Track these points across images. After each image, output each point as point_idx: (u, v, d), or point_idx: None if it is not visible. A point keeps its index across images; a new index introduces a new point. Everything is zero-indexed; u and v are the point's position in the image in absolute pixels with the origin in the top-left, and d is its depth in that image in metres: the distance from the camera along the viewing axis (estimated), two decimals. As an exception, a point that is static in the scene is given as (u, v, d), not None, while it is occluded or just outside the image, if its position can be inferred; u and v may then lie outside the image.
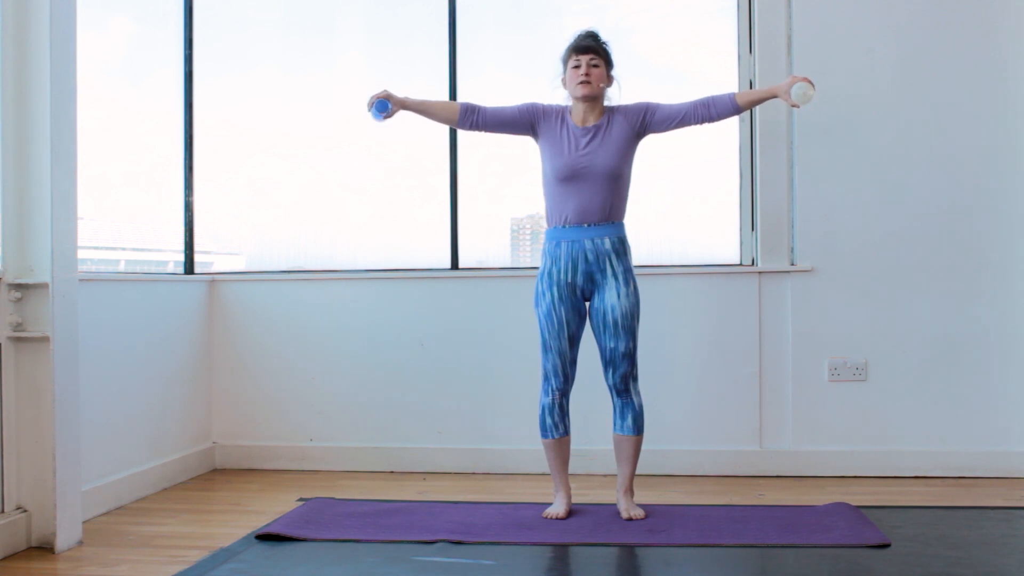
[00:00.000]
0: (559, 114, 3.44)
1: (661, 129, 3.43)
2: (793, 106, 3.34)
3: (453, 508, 3.55)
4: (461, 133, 4.41)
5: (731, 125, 4.30)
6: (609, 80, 3.43)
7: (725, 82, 4.32)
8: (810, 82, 3.30)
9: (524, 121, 3.46)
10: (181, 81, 4.54)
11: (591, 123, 3.41)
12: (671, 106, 3.42)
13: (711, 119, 3.41)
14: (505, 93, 4.46)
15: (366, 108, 3.45)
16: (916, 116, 4.14)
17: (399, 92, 3.50)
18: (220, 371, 4.50)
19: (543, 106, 3.47)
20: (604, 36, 3.45)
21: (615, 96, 3.49)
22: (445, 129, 4.42)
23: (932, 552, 2.95)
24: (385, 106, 3.42)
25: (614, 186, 3.36)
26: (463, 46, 4.45)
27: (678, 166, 4.30)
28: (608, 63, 3.42)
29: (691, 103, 3.41)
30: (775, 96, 3.39)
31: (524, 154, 3.89)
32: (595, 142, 3.37)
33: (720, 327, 4.21)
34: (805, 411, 4.18)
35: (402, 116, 3.52)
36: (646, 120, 3.41)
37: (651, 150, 3.67)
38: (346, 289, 4.45)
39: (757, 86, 4.20)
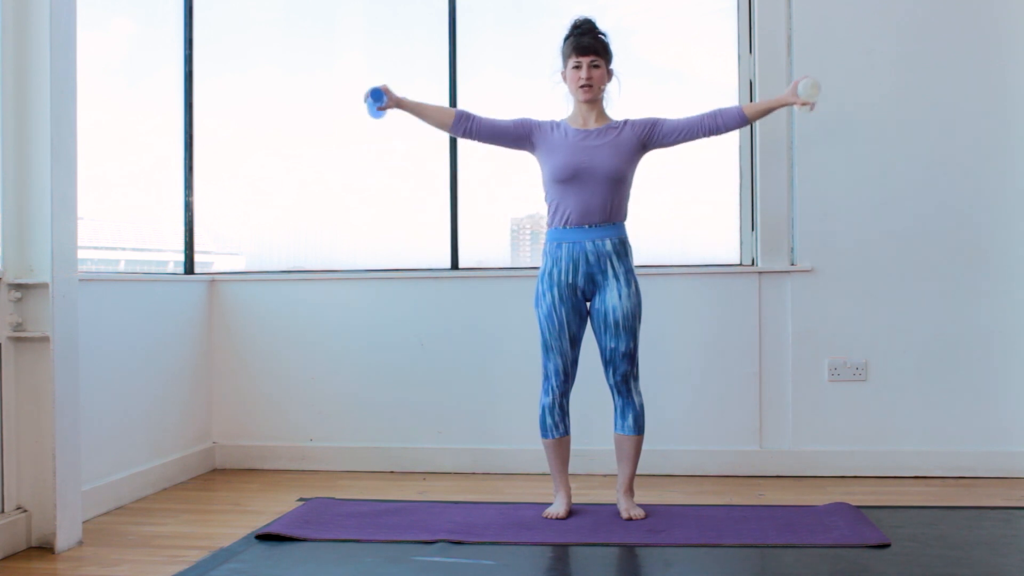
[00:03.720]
0: (554, 125, 3.45)
1: (668, 142, 3.42)
2: (804, 105, 3.32)
3: (453, 508, 3.55)
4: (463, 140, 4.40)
5: (731, 125, 4.31)
6: (609, 76, 3.44)
7: (725, 82, 4.33)
8: (812, 79, 3.30)
9: (519, 134, 3.45)
10: (181, 81, 4.55)
11: (592, 126, 3.41)
12: (678, 119, 3.41)
13: (718, 131, 3.40)
14: (505, 93, 4.48)
15: (362, 100, 3.43)
16: (916, 116, 4.14)
17: (399, 92, 3.50)
18: (220, 371, 4.50)
19: (537, 120, 3.47)
20: (601, 25, 3.44)
21: (615, 94, 3.49)
22: (445, 129, 4.42)
23: (932, 552, 2.95)
24: (379, 95, 3.40)
25: (615, 188, 3.36)
26: (463, 46, 4.45)
27: (678, 166, 4.30)
28: (608, 59, 3.42)
29: (698, 116, 3.40)
30: (784, 104, 3.38)
31: (524, 154, 3.89)
32: (597, 144, 3.36)
33: (720, 327, 4.21)
34: (805, 411, 4.18)
35: (403, 115, 3.52)
36: (652, 133, 3.40)
37: (652, 151, 3.67)
38: (346, 289, 4.45)
39: (757, 86, 4.20)
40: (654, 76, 4.44)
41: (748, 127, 4.25)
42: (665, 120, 3.42)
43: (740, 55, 4.30)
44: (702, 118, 3.40)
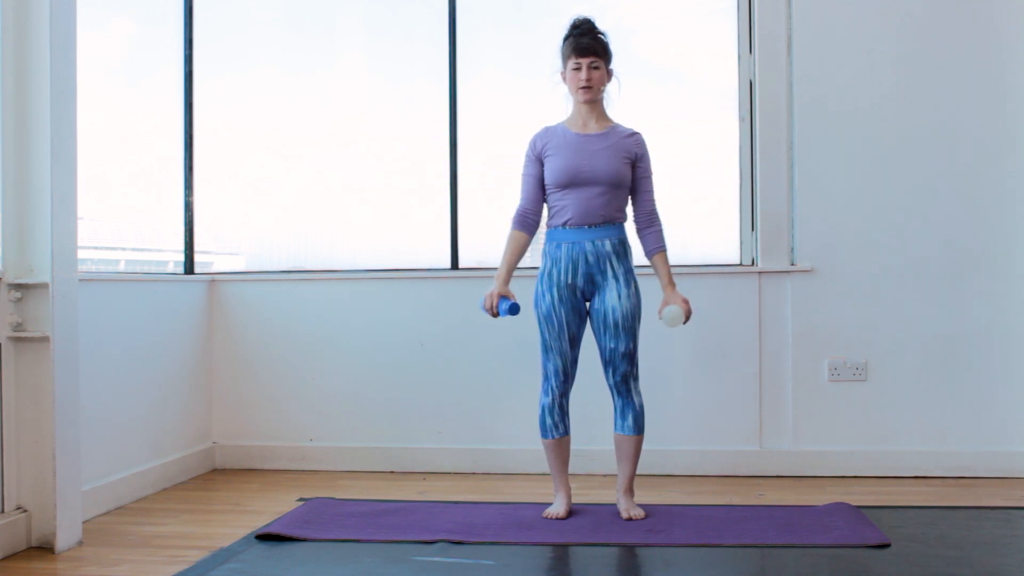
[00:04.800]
0: (552, 131, 3.44)
1: (630, 189, 3.45)
2: (661, 318, 3.34)
3: (453, 508, 3.55)
4: (461, 133, 4.42)
5: (731, 125, 4.31)
6: (609, 76, 3.44)
7: (725, 82, 4.33)
8: (684, 312, 3.31)
9: (540, 170, 3.43)
10: (181, 81, 4.54)
11: (593, 130, 3.40)
12: (646, 192, 3.43)
13: (638, 231, 3.44)
14: (505, 93, 4.49)
15: (493, 315, 3.36)
16: (916, 116, 4.14)
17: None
18: (220, 371, 4.50)
19: (535, 141, 3.45)
20: (601, 25, 3.44)
21: (615, 94, 3.48)
22: (445, 129, 4.42)
23: (932, 552, 2.95)
24: (512, 305, 3.30)
25: (615, 190, 3.36)
26: (463, 46, 4.45)
27: (678, 166, 4.30)
28: (608, 60, 3.42)
29: (650, 208, 3.42)
30: (664, 291, 3.40)
31: (524, 154, 3.88)
32: (597, 148, 3.36)
33: (720, 327, 4.21)
34: (805, 411, 4.18)
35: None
36: (634, 169, 3.41)
37: (652, 150, 3.66)
38: (346, 289, 4.45)
39: (757, 86, 4.21)
40: (654, 76, 4.44)
41: (748, 128, 4.27)
42: (647, 179, 3.43)
43: (740, 55, 4.31)
44: (650, 213, 3.42)
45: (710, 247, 4.35)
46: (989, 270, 4.11)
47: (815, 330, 4.17)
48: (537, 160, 3.44)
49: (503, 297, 3.35)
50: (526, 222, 3.45)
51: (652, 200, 3.45)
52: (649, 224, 3.44)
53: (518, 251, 3.46)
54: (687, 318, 3.35)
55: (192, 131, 4.56)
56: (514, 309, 3.29)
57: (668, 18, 4.50)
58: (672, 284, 3.41)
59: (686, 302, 3.36)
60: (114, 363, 3.75)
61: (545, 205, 3.46)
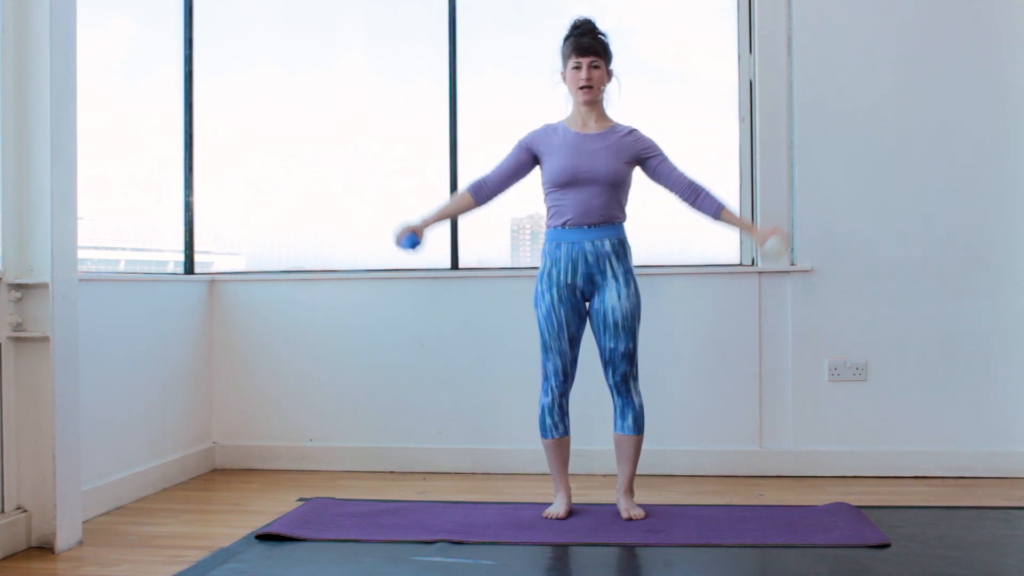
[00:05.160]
0: (551, 129, 3.44)
1: (654, 178, 3.44)
2: (761, 256, 3.33)
3: (453, 508, 3.55)
4: (461, 133, 4.41)
5: (731, 125, 4.31)
6: (609, 76, 3.43)
7: (725, 82, 4.33)
8: (785, 240, 3.30)
9: (525, 158, 3.45)
10: (181, 81, 4.54)
11: (593, 130, 3.40)
12: (672, 170, 3.41)
13: (692, 206, 3.42)
14: (505, 93, 4.48)
15: (395, 245, 3.45)
16: (916, 116, 4.14)
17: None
18: (220, 371, 4.50)
19: (531, 134, 3.46)
20: (601, 25, 3.44)
21: (615, 94, 3.48)
22: (445, 129, 4.42)
23: (932, 552, 2.95)
24: (415, 241, 3.40)
25: (614, 190, 3.36)
26: (463, 46, 4.45)
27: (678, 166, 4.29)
28: (608, 60, 3.42)
29: (688, 180, 3.40)
30: (751, 234, 3.42)
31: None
32: (596, 148, 3.36)
33: (720, 327, 4.20)
34: (805, 411, 4.18)
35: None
36: (648, 161, 3.41)
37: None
38: (346, 289, 4.45)
39: (757, 86, 4.21)
40: (654, 76, 4.44)
41: (748, 128, 4.27)
42: (666, 160, 3.42)
43: (740, 55, 4.31)
44: (689, 185, 3.40)
45: (710, 247, 4.35)
46: (989, 270, 4.11)
47: (815, 330, 4.17)
48: (526, 151, 3.45)
49: (412, 232, 3.41)
50: (479, 191, 3.48)
51: (683, 173, 3.42)
52: (696, 193, 3.40)
53: (455, 209, 3.54)
54: (786, 248, 3.30)
55: (192, 131, 4.56)
56: (414, 244, 3.41)
57: (668, 18, 4.50)
58: (752, 223, 3.38)
59: (776, 228, 3.34)
60: (114, 363, 3.75)
61: (544, 205, 3.46)
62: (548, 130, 3.45)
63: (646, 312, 3.73)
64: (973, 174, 4.12)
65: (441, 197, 4.44)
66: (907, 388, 4.14)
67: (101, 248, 4.30)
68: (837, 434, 4.16)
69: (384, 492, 3.93)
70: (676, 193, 3.43)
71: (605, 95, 3.46)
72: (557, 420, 3.44)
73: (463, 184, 3.43)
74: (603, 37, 3.41)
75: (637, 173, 3.47)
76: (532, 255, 4.56)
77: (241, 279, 4.52)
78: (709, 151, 4.34)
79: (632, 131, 3.42)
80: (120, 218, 4.39)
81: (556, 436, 3.44)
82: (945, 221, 4.13)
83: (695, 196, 3.41)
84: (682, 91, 4.45)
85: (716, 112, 4.38)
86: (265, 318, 4.47)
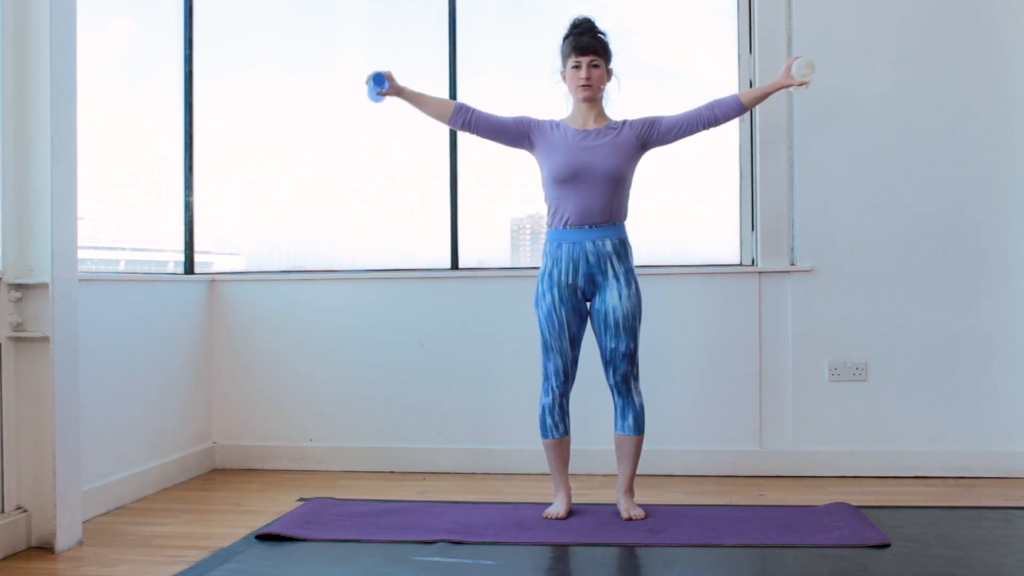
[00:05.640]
0: (554, 125, 3.45)
1: (668, 139, 3.43)
2: (801, 85, 3.33)
3: (453, 508, 3.55)
4: (461, 133, 4.40)
5: (731, 125, 4.30)
6: (608, 75, 3.44)
7: (725, 82, 4.32)
8: (805, 58, 3.33)
9: (518, 131, 3.46)
10: (181, 81, 4.54)
11: (592, 126, 3.41)
12: (676, 115, 3.42)
13: (717, 122, 3.41)
14: (505, 93, 4.48)
15: (363, 82, 3.45)
16: (916, 116, 4.14)
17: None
18: (220, 371, 4.50)
19: (537, 119, 3.47)
20: (601, 25, 3.44)
21: (614, 93, 3.49)
22: (445, 129, 4.41)
23: (932, 552, 2.95)
24: (381, 79, 3.42)
25: (615, 188, 3.36)
26: (463, 46, 4.45)
27: (678, 166, 4.30)
28: (607, 58, 3.42)
29: (695, 109, 3.41)
30: (779, 87, 3.41)
31: (524, 154, 3.89)
32: (596, 144, 3.36)
33: (720, 327, 4.20)
34: (805, 411, 4.18)
35: (403, 114, 3.52)
36: (652, 132, 3.41)
37: (651, 150, 3.67)
38: (346, 289, 4.45)
39: (757, 86, 4.20)
40: (654, 76, 4.44)
41: (748, 127, 4.27)
42: (663, 117, 3.42)
43: (740, 55, 4.30)
44: (699, 111, 3.41)
45: (710, 247, 4.35)
46: (989, 270, 4.11)
47: (815, 330, 4.17)
48: (526, 125, 3.45)
49: (384, 76, 3.45)
50: (462, 112, 3.47)
51: (687, 112, 3.42)
52: (711, 111, 3.40)
53: (433, 105, 3.51)
54: (812, 68, 3.31)
55: (192, 131, 4.56)
56: (380, 81, 3.43)
57: (668, 18, 4.50)
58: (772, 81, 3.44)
59: (792, 59, 3.36)
60: (114, 363, 3.75)
61: (545, 205, 3.46)
62: (551, 125, 3.45)
63: (647, 312, 3.73)
64: (973, 173, 4.11)
65: (441, 197, 4.46)
66: (907, 388, 4.14)
67: (101, 248, 4.29)
68: (837, 434, 4.16)
69: (384, 492, 3.93)
70: (699, 130, 3.42)
71: (605, 94, 3.46)
72: (557, 420, 3.44)
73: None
74: (602, 36, 3.42)
75: (638, 173, 3.47)
76: (532, 255, 4.56)
77: (241, 279, 4.52)
78: (709, 151, 4.34)
79: (624, 122, 3.43)
80: (120, 218, 4.39)
81: (556, 436, 3.44)
82: (945, 221, 4.13)
83: (712, 114, 3.41)
84: (682, 91, 4.45)
85: (716, 112, 4.37)
86: (265, 318, 4.47)
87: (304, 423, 4.44)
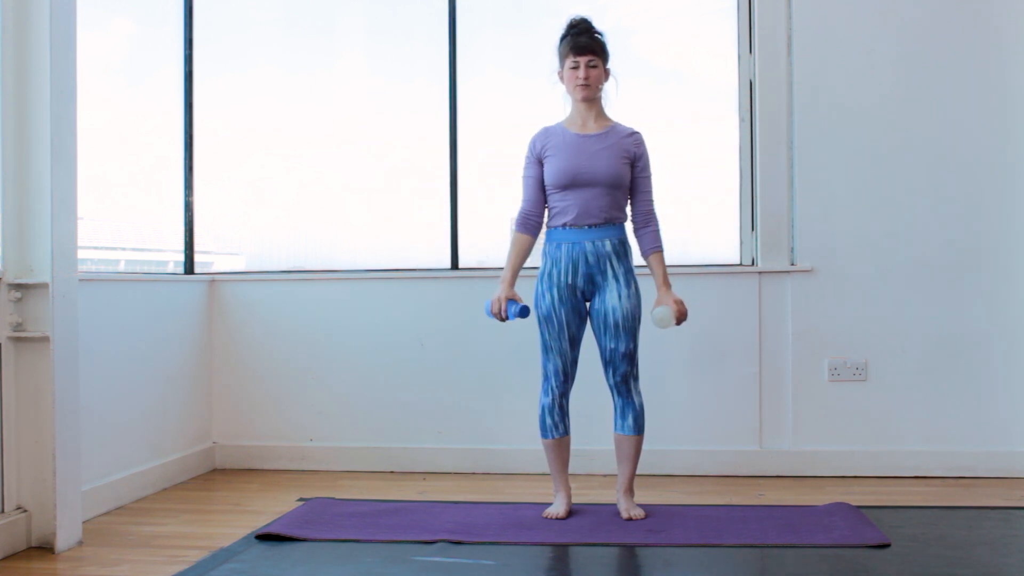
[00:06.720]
0: (551, 131, 3.44)
1: (629, 188, 3.44)
2: (652, 318, 3.34)
3: (453, 508, 3.55)
4: (461, 133, 4.42)
5: (731, 125, 4.31)
6: (606, 75, 3.43)
7: (725, 82, 4.33)
8: (675, 314, 3.31)
9: (541, 172, 3.43)
10: (181, 81, 4.54)
11: (592, 130, 3.40)
12: (645, 191, 3.42)
13: (635, 231, 3.44)
14: (505, 93, 4.49)
15: (502, 318, 3.36)
16: (916, 116, 4.14)
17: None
18: (220, 371, 4.50)
19: (535, 143, 3.45)
20: (599, 25, 3.43)
21: (613, 93, 3.48)
22: (445, 129, 4.42)
23: (932, 552, 2.95)
24: (520, 308, 3.31)
25: (615, 191, 3.36)
26: (463, 46, 4.45)
27: (678, 166, 4.30)
28: (605, 59, 3.41)
29: (647, 208, 3.43)
30: (657, 291, 3.41)
31: (523, 154, 3.89)
32: (597, 148, 3.36)
33: (720, 327, 4.21)
34: (805, 411, 4.18)
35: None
36: (633, 168, 3.41)
37: (651, 150, 3.67)
38: (346, 289, 4.45)
39: (757, 86, 4.21)
40: (654, 76, 4.44)
41: (748, 127, 4.27)
42: (646, 180, 3.42)
43: (740, 55, 4.31)
44: (647, 213, 3.43)
45: (710, 247, 4.35)
46: (989, 270, 4.11)
47: (815, 330, 4.17)
48: (537, 161, 3.44)
49: (511, 300, 3.35)
50: (528, 224, 3.45)
51: (650, 200, 3.45)
52: (646, 224, 3.44)
53: (522, 253, 3.46)
54: (679, 320, 3.34)
55: (192, 131, 4.56)
56: (523, 312, 3.30)
57: (668, 18, 4.50)
58: (667, 284, 3.41)
59: (679, 303, 3.36)
60: (114, 363, 3.75)
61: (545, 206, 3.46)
62: (547, 133, 3.44)
63: (646, 312, 3.73)
64: (973, 174, 4.12)
65: (441, 197, 4.45)
66: (907, 388, 4.14)
67: (101, 248, 4.30)
68: (837, 434, 4.16)
69: (384, 492, 3.93)
70: (633, 211, 3.45)
71: (603, 94, 3.46)
72: (557, 420, 3.44)
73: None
74: (600, 36, 3.41)
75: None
76: (532, 255, 4.55)
77: (241, 279, 4.52)
78: (709, 151, 4.34)
79: (634, 133, 3.42)
80: (120, 218, 4.39)
81: (556, 436, 3.44)
82: (945, 221, 4.13)
83: (644, 225, 3.44)
84: (682, 91, 4.45)
85: (716, 112, 4.38)
86: (265, 318, 4.47)
87: (304, 423, 4.44)
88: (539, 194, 3.44)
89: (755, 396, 4.19)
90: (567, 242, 3.36)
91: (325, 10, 4.67)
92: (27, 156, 3.11)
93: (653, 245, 3.42)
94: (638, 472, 3.85)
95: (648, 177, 3.44)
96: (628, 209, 3.46)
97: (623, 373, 3.37)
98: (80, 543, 3.19)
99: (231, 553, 3.01)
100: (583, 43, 3.36)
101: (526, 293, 3.75)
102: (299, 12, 4.69)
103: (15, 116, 3.12)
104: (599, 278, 3.36)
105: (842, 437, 4.15)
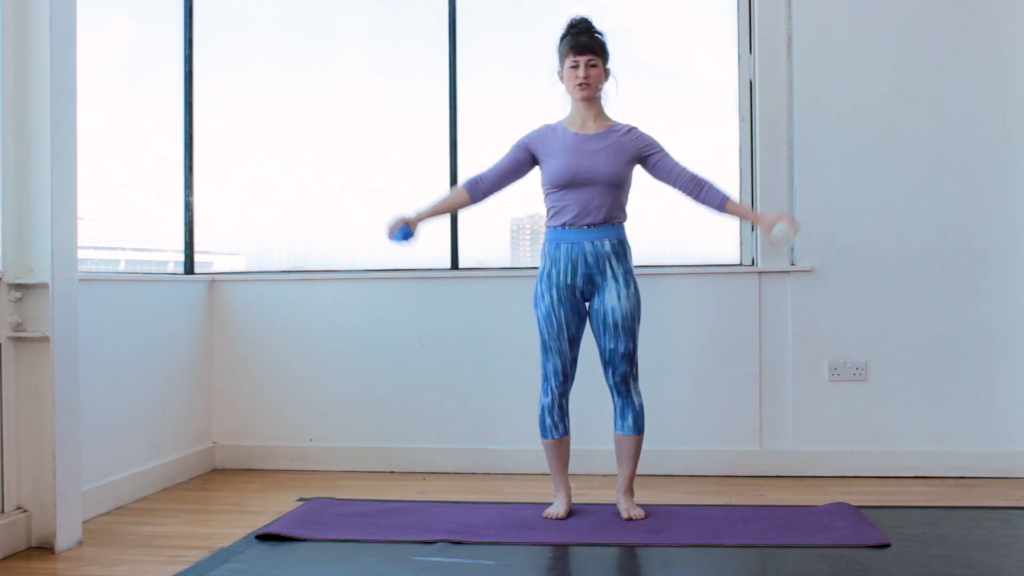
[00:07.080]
0: (550, 130, 3.44)
1: (656, 176, 3.44)
2: (769, 242, 3.33)
3: (453, 508, 3.55)
4: (461, 133, 4.42)
5: (731, 125, 4.31)
6: (606, 75, 3.43)
7: (725, 82, 4.33)
8: (793, 225, 3.29)
9: (523, 158, 3.45)
10: (181, 81, 4.54)
11: (592, 130, 3.40)
12: (674, 165, 3.41)
13: (697, 199, 3.43)
14: (505, 93, 4.48)
15: (388, 238, 3.42)
16: (916, 116, 4.14)
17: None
18: (220, 371, 4.50)
19: (529, 134, 3.46)
20: (599, 25, 3.44)
21: (613, 93, 3.48)
22: (445, 129, 4.42)
23: (932, 552, 2.95)
24: (408, 233, 3.39)
25: (614, 191, 3.36)
26: (463, 46, 4.45)
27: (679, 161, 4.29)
28: (605, 58, 3.41)
29: (691, 173, 3.41)
30: (757, 223, 3.40)
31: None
32: (597, 148, 3.36)
33: (720, 327, 4.20)
34: (805, 411, 4.18)
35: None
36: (649, 159, 3.41)
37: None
38: (346, 289, 4.45)
39: (757, 86, 4.21)
40: (654, 76, 4.44)
41: (748, 127, 4.27)
42: (667, 156, 3.42)
43: (740, 55, 4.31)
44: (692, 179, 3.41)
45: (710, 247, 4.35)
46: (989, 270, 4.11)
47: (815, 330, 4.17)
48: (525, 151, 3.45)
49: (405, 224, 3.40)
50: (476, 187, 3.48)
51: (685, 168, 3.42)
52: (699, 187, 3.41)
53: (450, 204, 3.53)
54: (795, 231, 3.30)
55: (192, 131, 4.56)
56: (407, 235, 3.39)
57: (668, 18, 4.50)
58: (757, 211, 3.37)
59: (788, 217, 3.34)
60: (114, 363, 3.75)
61: (544, 206, 3.46)
62: (547, 131, 3.45)
63: (646, 312, 3.73)
64: (973, 174, 4.12)
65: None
66: (907, 388, 4.14)
67: (101, 248, 4.30)
68: (837, 434, 4.16)
69: (384, 492, 3.93)
70: (679, 188, 3.43)
71: (603, 94, 3.46)
72: (557, 420, 3.44)
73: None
74: (600, 35, 3.41)
75: (638, 172, 3.47)
76: (532, 255, 4.56)
77: (241, 279, 4.52)
78: (709, 151, 4.34)
79: (631, 129, 3.42)
80: (120, 218, 4.39)
81: (556, 436, 3.44)
82: (945, 221, 4.13)
83: (699, 190, 3.41)
84: (682, 91, 4.45)
85: (716, 112, 4.38)
86: (265, 318, 4.47)
87: (304, 423, 4.44)
88: (505, 173, 3.46)
89: (755, 396, 4.20)
90: (566, 242, 3.36)
91: (325, 10, 4.67)
92: (27, 156, 3.11)
93: (721, 196, 3.40)
94: (638, 472, 3.85)
95: (667, 153, 3.42)
96: (628, 209, 3.45)
97: (623, 373, 3.37)
98: (80, 543, 3.19)
99: (231, 553, 3.01)
100: (583, 43, 3.36)
101: (526, 293, 3.75)
102: (299, 12, 4.69)
103: (15, 116, 3.12)
104: (598, 278, 3.36)
105: (842, 437, 4.15)
